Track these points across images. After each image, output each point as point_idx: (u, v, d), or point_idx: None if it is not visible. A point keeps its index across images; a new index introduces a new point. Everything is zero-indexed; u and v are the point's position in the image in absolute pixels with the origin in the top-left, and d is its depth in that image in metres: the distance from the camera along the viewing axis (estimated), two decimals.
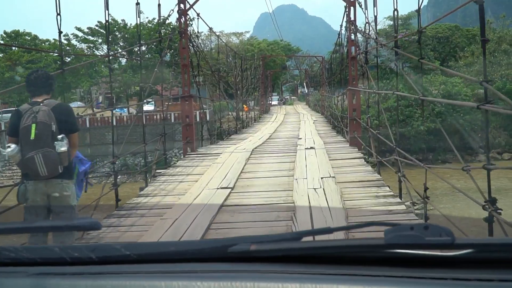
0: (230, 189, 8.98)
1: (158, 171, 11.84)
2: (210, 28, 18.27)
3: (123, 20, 52.66)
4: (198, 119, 44.38)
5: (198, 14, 16.30)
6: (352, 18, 14.06)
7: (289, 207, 7.48)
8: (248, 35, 61.20)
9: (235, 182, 9.62)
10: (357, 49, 13.21)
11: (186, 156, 13.94)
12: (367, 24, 11.56)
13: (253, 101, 52.08)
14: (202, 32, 52.72)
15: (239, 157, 12.70)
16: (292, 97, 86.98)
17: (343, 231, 3.66)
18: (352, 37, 14.13)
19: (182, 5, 14.25)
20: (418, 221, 6.63)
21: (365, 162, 11.36)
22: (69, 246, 1.60)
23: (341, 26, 18.26)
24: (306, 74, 73.32)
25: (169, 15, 13.04)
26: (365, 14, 11.56)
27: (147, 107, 56.71)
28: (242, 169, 11.08)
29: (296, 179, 9.54)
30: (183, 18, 14.36)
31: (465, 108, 41.90)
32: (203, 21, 17.07)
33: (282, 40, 77.52)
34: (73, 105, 60.44)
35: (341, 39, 18.21)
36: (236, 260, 1.49)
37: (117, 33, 52.70)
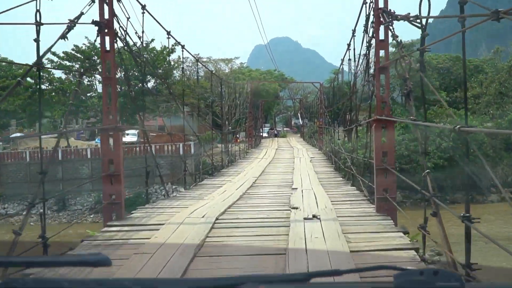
0: None
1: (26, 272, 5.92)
2: (168, 32, 12.52)
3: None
4: (181, 152, 39.43)
5: (143, 7, 10.66)
6: (382, 5, 8.46)
7: None
8: (237, 61, 55.52)
9: None
10: (400, 49, 7.40)
11: (105, 229, 8.05)
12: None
13: (244, 132, 46.54)
14: (187, 57, 47.18)
15: (188, 238, 6.85)
16: (285, 129, 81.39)
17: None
18: (382, 35, 8.49)
19: None
20: None
21: (418, 258, 5.58)
22: (77, 280, 1.59)
23: (353, 31, 12.66)
24: (300, 104, 67.67)
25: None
26: None
27: (130, 138, 51.34)
28: (184, 272, 5.29)
29: None
30: (107, 5, 8.67)
31: (475, 144, 37.22)
32: (156, 20, 11.39)
33: (276, 70, 72.37)
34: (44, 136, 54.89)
35: (353, 47, 12.63)
36: None
37: (95, 58, 47.41)
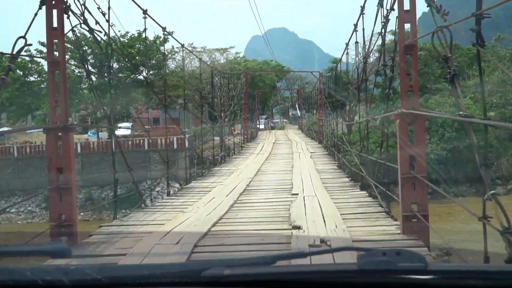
0: None
1: None
2: (144, 11, 10.52)
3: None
4: (175, 146, 37.46)
5: None
6: None
7: None
8: (233, 51, 52.94)
9: None
10: (443, 16, 5.30)
11: (47, 263, 6.04)
12: None
13: (240, 124, 44.60)
14: (176, 48, 45.13)
15: None
16: (283, 120, 79.14)
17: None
18: (407, 4, 6.45)
19: None
20: None
21: None
22: (41, 269, 1.54)
23: (362, 7, 10.60)
24: (298, 95, 65.22)
25: None
26: None
27: (123, 132, 49.36)
28: None
29: None
30: None
31: (479, 134, 35.32)
32: None
33: (273, 61, 70.06)
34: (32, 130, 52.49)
35: (362, 27, 10.57)
36: (210, 285, 1.44)
37: (85, 48, 45.13)
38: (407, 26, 6.73)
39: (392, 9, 7.46)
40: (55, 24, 6.75)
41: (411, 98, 6.44)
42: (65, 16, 6.89)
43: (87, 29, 7.98)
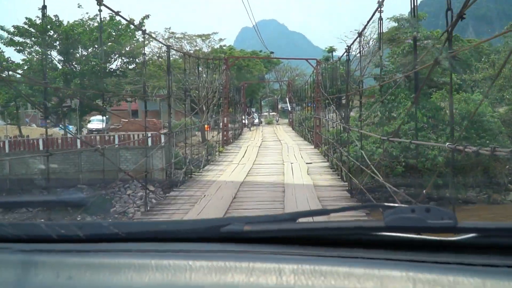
0: None
1: None
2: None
3: (56, 16, 39.16)
4: (150, 143, 31.83)
5: None
6: None
7: None
8: (216, 37, 46.79)
9: None
10: None
11: None
12: None
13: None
14: (158, 32, 39.34)
15: None
16: (272, 113, 73.75)
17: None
18: None
19: None
20: None
21: None
22: (56, 223, 1.50)
23: None
24: (288, 87, 59.43)
25: None
26: None
27: (96, 125, 43.88)
28: None
29: None
30: None
31: (491, 134, 30.41)
32: None
33: (262, 51, 64.32)
34: None
35: None
36: (229, 241, 1.36)
37: (51, 32, 39.53)
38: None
39: None
40: None
41: None
42: None
43: None
